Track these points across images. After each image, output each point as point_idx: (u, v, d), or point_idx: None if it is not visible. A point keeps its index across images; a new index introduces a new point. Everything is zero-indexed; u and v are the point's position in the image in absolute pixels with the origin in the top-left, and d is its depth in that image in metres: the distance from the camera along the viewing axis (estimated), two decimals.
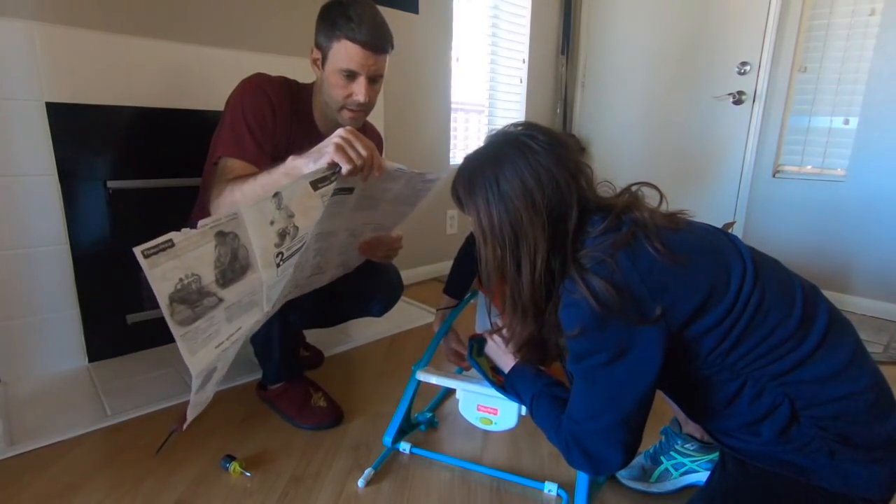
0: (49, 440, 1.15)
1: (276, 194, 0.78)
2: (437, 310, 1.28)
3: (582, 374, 0.75)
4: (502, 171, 0.75)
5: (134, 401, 1.31)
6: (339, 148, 0.87)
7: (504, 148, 0.78)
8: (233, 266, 0.76)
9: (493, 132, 0.83)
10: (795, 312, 0.71)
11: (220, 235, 0.73)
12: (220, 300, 0.76)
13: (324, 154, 0.87)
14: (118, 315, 1.55)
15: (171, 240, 0.66)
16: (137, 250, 0.63)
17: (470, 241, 1.22)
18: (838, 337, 0.72)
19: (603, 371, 0.72)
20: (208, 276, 0.73)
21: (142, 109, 1.48)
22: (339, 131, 0.90)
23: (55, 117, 1.34)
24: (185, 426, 0.85)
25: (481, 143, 0.83)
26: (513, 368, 0.94)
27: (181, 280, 0.69)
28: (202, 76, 1.57)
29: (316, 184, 0.83)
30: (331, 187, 0.85)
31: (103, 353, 1.54)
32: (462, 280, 1.26)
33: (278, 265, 0.84)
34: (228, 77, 1.23)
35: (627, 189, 0.82)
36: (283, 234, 0.81)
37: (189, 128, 1.55)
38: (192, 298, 0.71)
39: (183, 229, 0.68)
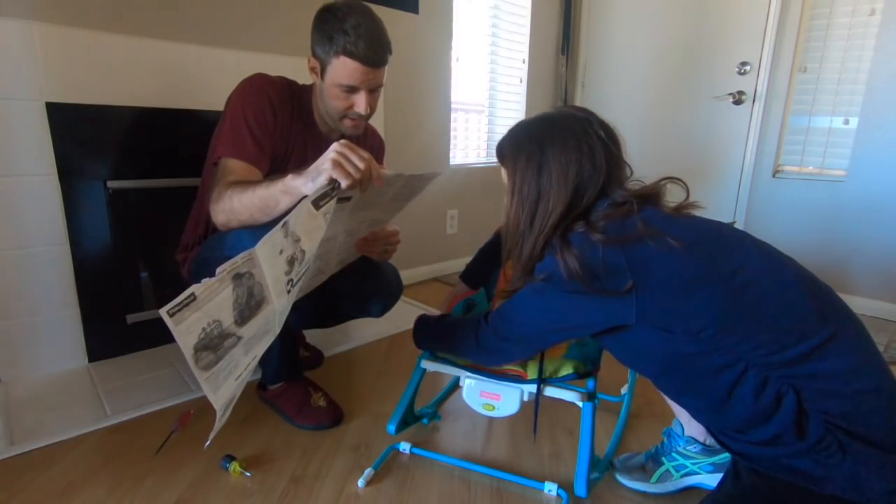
0: (49, 440, 1.15)
1: (284, 223, 0.78)
2: (449, 297, 1.27)
3: (532, 288, 0.85)
4: (552, 139, 0.83)
5: (134, 401, 1.31)
6: (336, 164, 0.86)
7: (561, 121, 0.85)
8: (249, 304, 0.77)
9: (555, 108, 0.91)
10: (803, 307, 0.72)
11: (237, 277, 0.73)
12: (240, 338, 0.77)
13: (321, 172, 0.87)
14: (118, 315, 1.55)
15: (192, 294, 0.66)
16: (163, 312, 0.63)
17: (500, 234, 1.22)
18: (851, 334, 0.73)
19: (551, 292, 0.82)
20: (228, 320, 0.73)
21: (142, 109, 1.48)
22: (335, 146, 0.89)
23: (55, 117, 1.34)
24: (206, 445, 0.87)
25: (543, 112, 0.90)
26: (418, 318, 1.10)
27: (204, 329, 0.69)
28: (202, 76, 1.57)
29: (318, 202, 0.83)
30: (332, 204, 0.85)
31: (103, 353, 1.54)
32: (482, 270, 1.25)
33: (289, 292, 0.85)
34: (228, 77, 1.23)
35: (655, 184, 0.85)
36: (291, 261, 0.82)
37: (189, 128, 1.55)
38: (215, 343, 0.72)
39: (203, 280, 0.68)
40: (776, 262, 0.77)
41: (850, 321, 0.74)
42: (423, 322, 1.10)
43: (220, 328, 0.72)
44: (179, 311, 0.65)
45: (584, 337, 0.97)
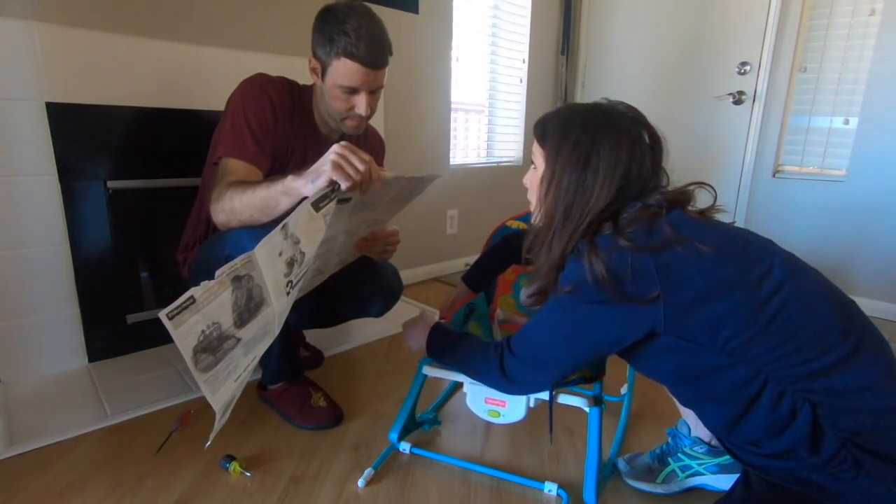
0: (49, 440, 1.15)
1: (284, 225, 0.78)
2: (450, 299, 1.24)
3: (556, 301, 0.81)
4: (606, 133, 0.78)
5: (134, 401, 1.31)
6: (336, 166, 0.86)
7: (615, 117, 0.81)
8: (248, 306, 0.77)
9: (609, 101, 0.85)
10: (827, 319, 0.71)
11: (237, 280, 0.74)
12: (238, 340, 0.77)
13: (321, 173, 0.86)
14: (118, 315, 1.55)
15: (192, 296, 0.67)
16: (162, 315, 0.63)
17: (509, 240, 1.20)
18: (872, 351, 0.71)
19: (578, 306, 0.77)
20: (227, 322, 0.74)
21: (142, 109, 1.48)
22: (335, 147, 0.88)
23: (55, 117, 1.34)
24: (206, 445, 0.87)
25: (594, 100, 0.85)
26: (434, 327, 1.00)
27: (203, 332, 0.69)
28: (202, 76, 1.57)
29: (317, 204, 0.82)
30: (332, 205, 0.84)
31: (103, 353, 1.54)
32: (485, 274, 1.24)
33: (288, 293, 0.85)
34: (228, 77, 1.23)
35: (683, 188, 0.83)
36: (291, 263, 0.82)
37: (189, 128, 1.55)
38: (214, 346, 0.72)
39: (203, 283, 0.69)
40: (802, 272, 0.75)
41: (873, 336, 0.73)
42: (439, 337, 1.00)
43: (219, 330, 0.72)
44: (179, 313, 0.65)
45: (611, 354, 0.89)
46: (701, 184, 0.83)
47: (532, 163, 0.88)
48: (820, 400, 0.69)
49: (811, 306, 0.71)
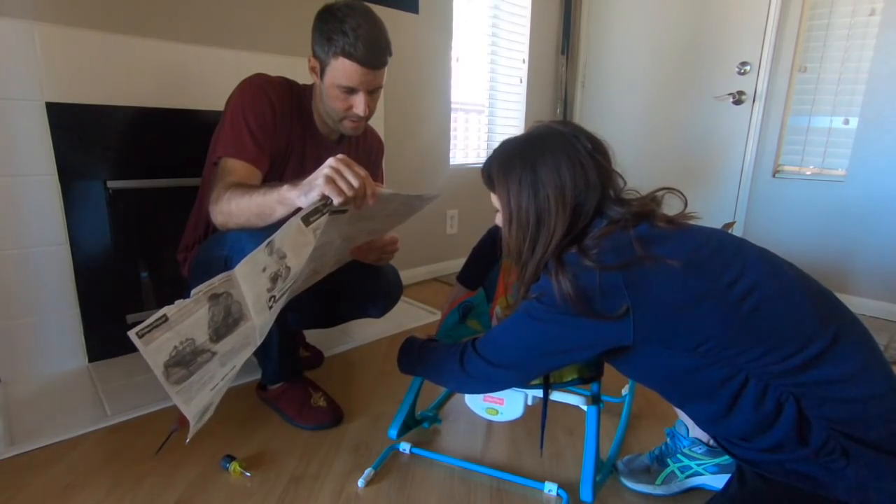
0: (49, 440, 1.15)
1: (269, 242, 0.76)
2: (449, 300, 1.26)
3: (525, 308, 0.82)
4: (543, 159, 0.80)
5: (134, 401, 1.31)
6: (328, 180, 0.83)
7: (548, 139, 0.82)
8: (226, 321, 0.76)
9: (538, 125, 0.86)
10: (804, 313, 0.71)
11: (214, 297, 0.72)
12: (214, 353, 0.76)
13: (314, 187, 0.84)
14: (118, 315, 1.55)
15: (164, 315, 0.66)
16: (132, 333, 0.63)
17: (492, 234, 1.21)
18: (852, 340, 0.72)
19: (545, 313, 0.78)
20: (202, 337, 0.72)
21: (142, 109, 1.48)
22: (330, 161, 0.86)
23: (55, 117, 1.34)
24: (188, 440, 0.86)
25: (523, 131, 0.86)
26: (403, 344, 1.05)
27: (175, 347, 0.68)
28: (202, 76, 1.57)
29: (308, 218, 0.81)
30: (323, 220, 0.83)
31: (103, 353, 1.54)
32: (477, 270, 1.25)
33: (270, 308, 0.83)
34: (228, 77, 1.23)
35: (651, 195, 0.83)
36: (275, 278, 0.80)
37: (189, 128, 1.55)
38: (187, 360, 0.71)
39: (176, 301, 0.67)
40: (776, 267, 0.76)
41: (852, 325, 0.73)
42: (408, 347, 1.05)
43: (192, 346, 0.71)
44: (149, 332, 0.64)
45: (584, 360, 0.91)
46: (669, 189, 0.84)
47: (495, 208, 0.89)
48: (804, 392, 0.70)
49: (787, 302, 0.72)
